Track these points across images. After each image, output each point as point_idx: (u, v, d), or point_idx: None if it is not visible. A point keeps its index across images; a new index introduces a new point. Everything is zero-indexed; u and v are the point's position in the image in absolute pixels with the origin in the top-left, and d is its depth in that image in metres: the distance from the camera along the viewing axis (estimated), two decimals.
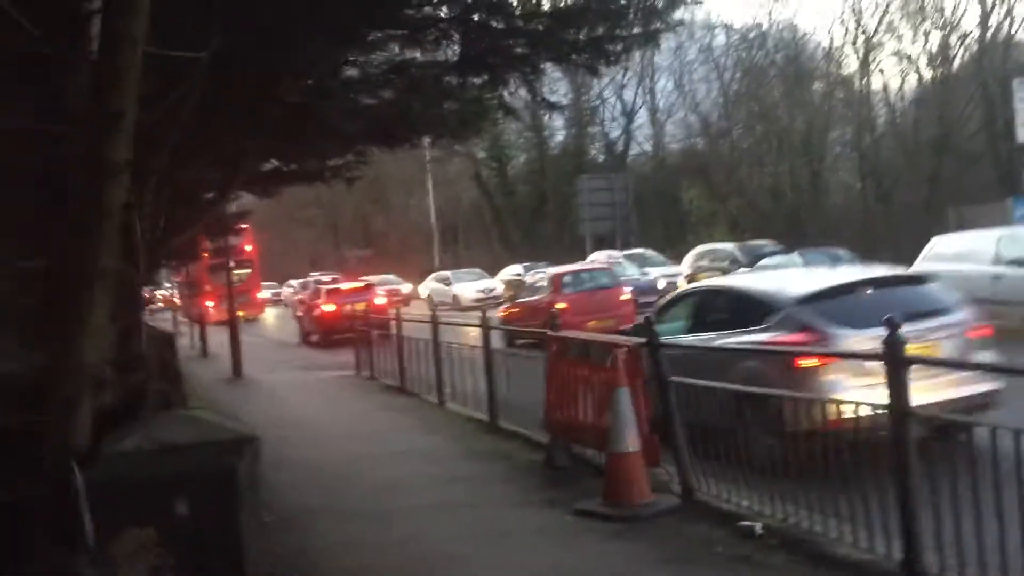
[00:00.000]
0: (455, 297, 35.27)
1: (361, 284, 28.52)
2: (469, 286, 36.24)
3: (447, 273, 39.05)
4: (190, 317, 31.13)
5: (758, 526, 5.61)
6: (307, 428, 11.25)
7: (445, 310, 27.01)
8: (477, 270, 40.51)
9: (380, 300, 26.93)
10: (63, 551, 2.90)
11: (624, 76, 50.52)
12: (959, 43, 39.78)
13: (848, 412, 5.12)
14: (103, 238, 2.99)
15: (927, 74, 41.14)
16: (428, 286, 38.93)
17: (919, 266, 16.33)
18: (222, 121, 6.83)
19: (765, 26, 45.55)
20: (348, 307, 25.00)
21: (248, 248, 22.14)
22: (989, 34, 38.41)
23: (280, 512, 6.91)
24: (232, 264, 27.41)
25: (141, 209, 4.45)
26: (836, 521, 5.13)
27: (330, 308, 25.69)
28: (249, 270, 31.10)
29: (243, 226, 17.47)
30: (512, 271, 37.00)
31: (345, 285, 28.21)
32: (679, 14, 6.87)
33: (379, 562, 5.72)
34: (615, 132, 54.08)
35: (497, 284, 35.78)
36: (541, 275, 21.95)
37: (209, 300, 27.64)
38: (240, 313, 22.68)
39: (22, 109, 3.56)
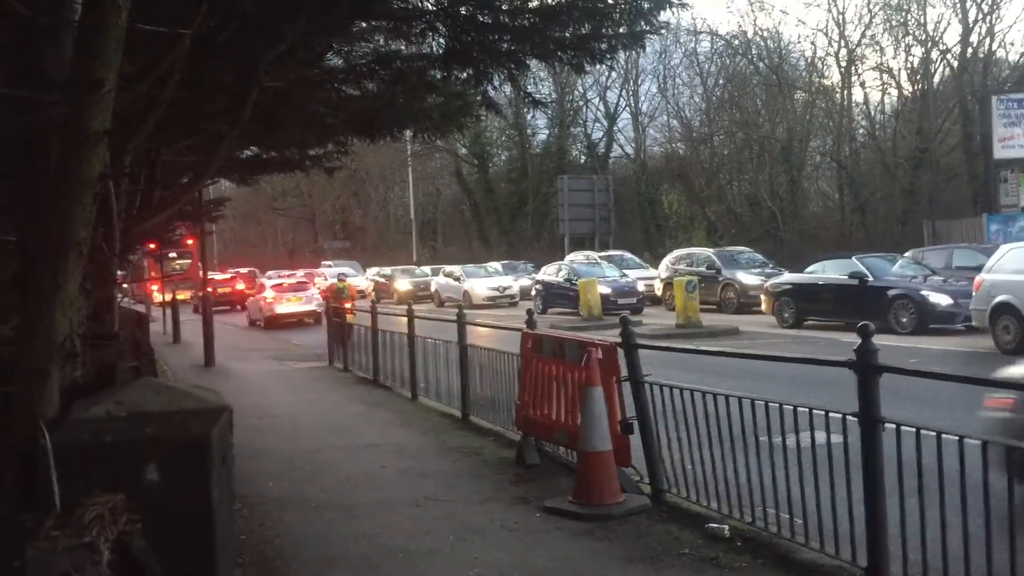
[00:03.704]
0: (466, 294, 32.69)
1: (230, 276, 43.16)
2: (481, 283, 33.76)
3: (457, 268, 36.53)
4: (134, 298, 35.17)
5: (726, 528, 5.65)
6: (278, 418, 11.19)
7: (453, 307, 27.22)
8: (495, 265, 37.87)
9: (240, 286, 41.02)
10: (30, 515, 2.86)
11: (608, 78, 50.74)
12: (940, 59, 40.27)
13: None
14: (78, 207, 2.94)
15: (907, 88, 41.62)
16: (436, 281, 36.56)
17: (986, 275, 15.20)
18: (203, 103, 6.77)
19: (750, 34, 45.88)
20: (219, 290, 37.77)
21: (189, 241, 25.90)
22: (969, 51, 38.86)
23: (249, 501, 6.87)
24: (174, 254, 31.28)
25: (118, 187, 4.40)
26: (803, 526, 5.17)
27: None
28: (189, 260, 34.78)
29: (183, 224, 19.37)
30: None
31: (219, 276, 41.40)
32: (665, 16, 6.87)
33: (345, 553, 5.69)
34: (597, 134, 54.26)
35: (511, 281, 34.01)
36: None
37: (153, 284, 32.32)
38: (181, 296, 29.09)
39: (1, 77, 3.50)
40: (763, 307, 21.92)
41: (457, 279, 34.72)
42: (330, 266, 48.27)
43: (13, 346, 3.21)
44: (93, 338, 3.62)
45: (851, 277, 19.23)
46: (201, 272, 22.64)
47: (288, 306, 29.88)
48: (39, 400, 3.00)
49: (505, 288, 33.31)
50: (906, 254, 22.73)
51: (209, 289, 35.98)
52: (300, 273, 40.79)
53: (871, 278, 19.00)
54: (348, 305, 17.75)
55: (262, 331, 28.74)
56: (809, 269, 21.14)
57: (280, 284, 31.88)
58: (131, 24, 3.09)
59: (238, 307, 38.61)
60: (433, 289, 36.51)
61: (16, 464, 3.00)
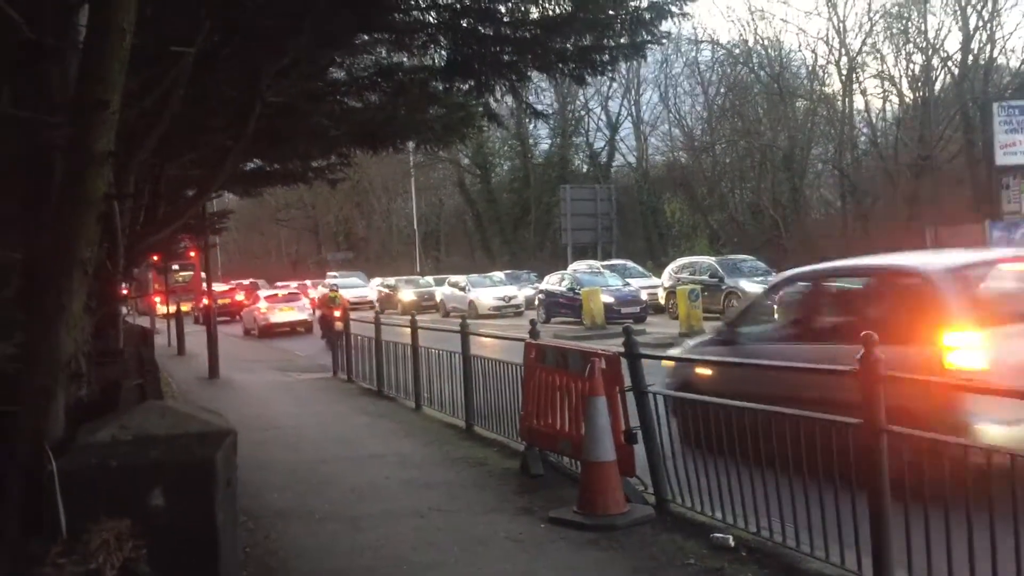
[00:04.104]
0: (472, 304, 32.39)
1: (229, 287, 44.14)
2: (487, 292, 33.47)
3: (461, 278, 36.34)
4: (139, 311, 36.37)
5: (731, 538, 5.64)
6: (283, 430, 11.19)
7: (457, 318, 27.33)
8: (498, 274, 37.52)
9: (240, 297, 41.24)
10: (36, 540, 2.86)
11: (610, 88, 50.91)
12: (941, 66, 40.33)
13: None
14: (83, 227, 2.96)
15: (908, 96, 41.66)
16: (442, 291, 36.46)
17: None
18: (206, 118, 6.80)
19: (750, 43, 45.98)
20: (218, 301, 34.59)
21: (192, 254, 27.52)
22: (970, 58, 38.91)
23: (253, 514, 6.88)
24: (177, 267, 31.64)
25: (122, 203, 4.42)
26: (808, 536, 5.16)
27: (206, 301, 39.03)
28: (191, 272, 35.37)
29: (184, 237, 19.61)
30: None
31: (217, 288, 38.83)
32: (665, 26, 6.89)
33: (350, 565, 5.69)
34: (599, 143, 54.37)
35: (516, 291, 33.68)
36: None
37: (157, 296, 33.15)
38: (184, 308, 29.08)
39: (5, 97, 3.53)
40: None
41: (463, 289, 34.48)
42: (336, 276, 48.40)
43: (17, 363, 3.22)
44: (98, 355, 3.63)
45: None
46: (205, 284, 22.73)
47: (281, 316, 31.70)
48: (44, 420, 3.01)
49: (511, 298, 33.05)
50: None
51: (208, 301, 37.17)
52: (294, 285, 42.69)
53: None
54: (337, 313, 19.62)
55: (260, 342, 28.97)
56: None
57: (274, 295, 34.45)
58: (134, 41, 3.12)
59: (236, 317, 39.16)
60: (439, 299, 36.32)
61: (21, 487, 3.01)
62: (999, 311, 6.63)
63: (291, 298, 33.64)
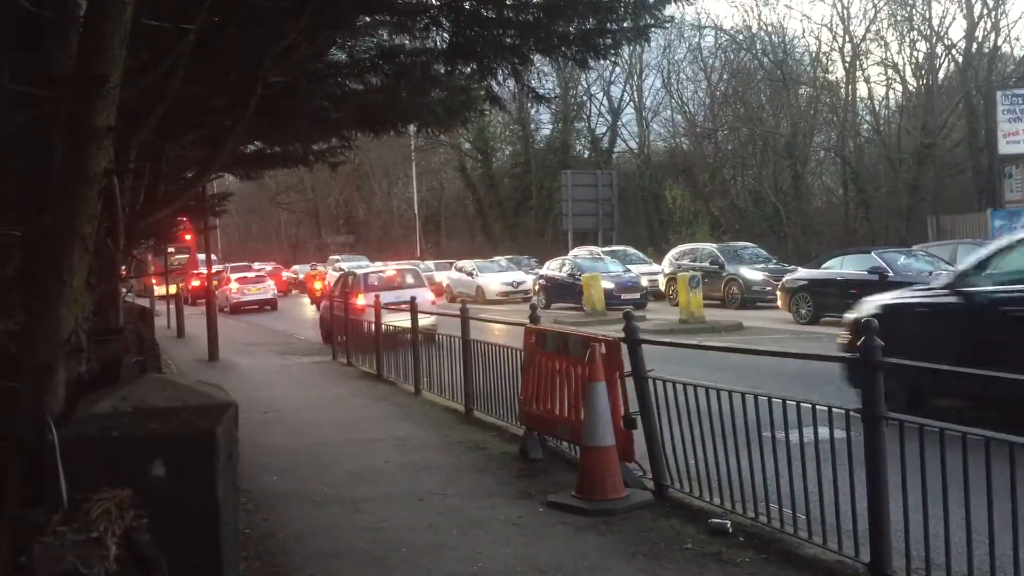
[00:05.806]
0: (479, 289, 32.54)
1: (216, 270, 46.72)
2: (494, 278, 33.32)
3: (468, 262, 36.03)
4: (137, 292, 35.70)
5: (729, 524, 5.65)
6: (283, 413, 11.20)
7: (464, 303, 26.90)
8: (500, 260, 37.18)
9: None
10: (36, 511, 2.87)
11: (612, 73, 50.71)
12: (945, 54, 40.19)
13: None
14: (84, 202, 2.94)
15: (912, 83, 41.56)
16: (448, 276, 36.17)
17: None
18: (208, 98, 6.77)
19: (754, 29, 45.80)
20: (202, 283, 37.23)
21: (187, 237, 28.83)
22: (974, 46, 38.78)
23: (253, 496, 6.89)
24: (172, 250, 32.24)
25: (123, 182, 4.41)
26: (806, 522, 5.17)
27: (196, 283, 39.58)
28: (187, 255, 36.59)
29: (182, 219, 19.70)
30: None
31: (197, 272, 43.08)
32: (669, 11, 6.86)
33: (349, 548, 5.70)
34: (601, 128, 54.21)
35: (524, 276, 33.33)
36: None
37: (153, 278, 34.20)
38: (172, 289, 30.18)
39: (4, 73, 3.51)
40: (779, 303, 21.30)
41: (470, 274, 34.35)
42: (338, 260, 48.53)
43: (18, 341, 3.21)
44: (98, 333, 3.62)
45: (870, 272, 18.33)
46: (204, 267, 22.81)
47: (249, 295, 36.77)
48: (45, 395, 3.00)
49: (519, 283, 32.79)
50: (914, 248, 22.35)
51: (198, 282, 37.78)
52: (269, 267, 48.24)
53: (891, 273, 18.09)
54: (318, 284, 28.16)
55: (261, 325, 29.22)
56: (826, 264, 20.47)
57: (244, 277, 39.34)
58: (135, 19, 3.10)
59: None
60: (444, 284, 36.02)
61: (22, 460, 3.00)
62: (376, 286, 19.36)
63: (259, 280, 38.58)
